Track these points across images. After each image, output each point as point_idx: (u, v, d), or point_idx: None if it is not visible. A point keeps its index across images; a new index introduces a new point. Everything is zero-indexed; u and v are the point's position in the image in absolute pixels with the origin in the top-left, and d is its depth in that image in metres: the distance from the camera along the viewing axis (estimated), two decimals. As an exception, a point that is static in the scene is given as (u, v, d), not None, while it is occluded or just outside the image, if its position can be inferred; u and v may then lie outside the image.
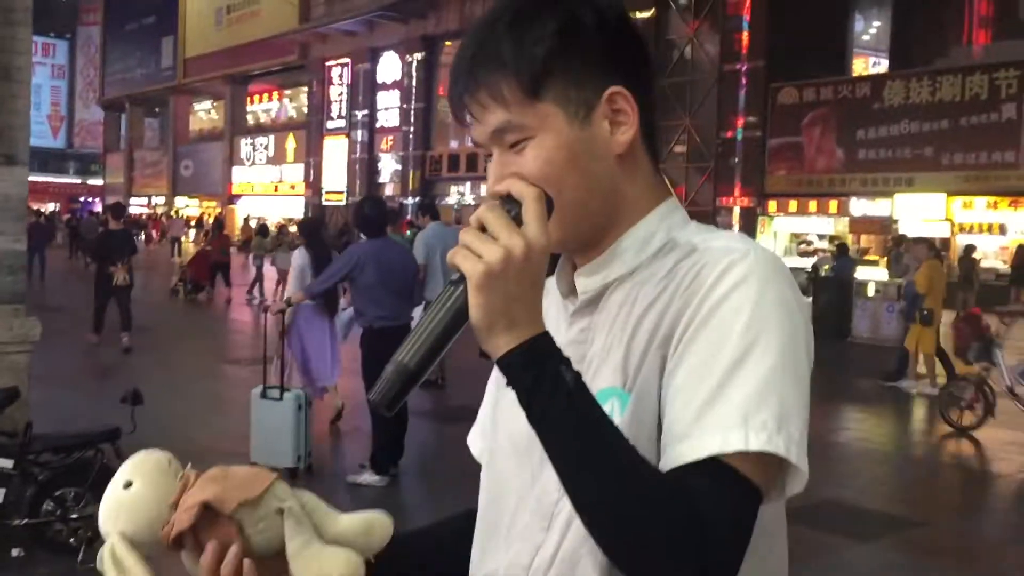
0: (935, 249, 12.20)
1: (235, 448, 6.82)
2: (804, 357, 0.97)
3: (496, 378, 1.18)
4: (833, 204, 24.62)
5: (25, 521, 4.46)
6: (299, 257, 7.84)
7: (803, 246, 25.59)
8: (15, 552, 4.51)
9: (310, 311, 7.57)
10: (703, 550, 0.86)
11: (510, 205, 0.96)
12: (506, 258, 0.91)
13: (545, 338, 0.93)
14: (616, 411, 0.98)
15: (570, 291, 1.11)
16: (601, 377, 1.02)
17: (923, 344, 10.87)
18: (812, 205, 25.01)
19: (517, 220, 0.94)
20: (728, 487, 0.90)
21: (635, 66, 1.06)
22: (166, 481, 1.01)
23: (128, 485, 1.01)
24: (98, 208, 49.33)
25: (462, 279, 0.93)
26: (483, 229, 0.93)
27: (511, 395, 0.95)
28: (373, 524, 1.07)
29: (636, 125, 1.04)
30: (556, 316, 1.11)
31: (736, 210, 26.46)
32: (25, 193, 4.90)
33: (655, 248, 1.06)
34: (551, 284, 1.16)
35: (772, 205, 25.80)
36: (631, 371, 1.00)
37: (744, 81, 25.63)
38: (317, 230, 8.59)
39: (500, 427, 1.15)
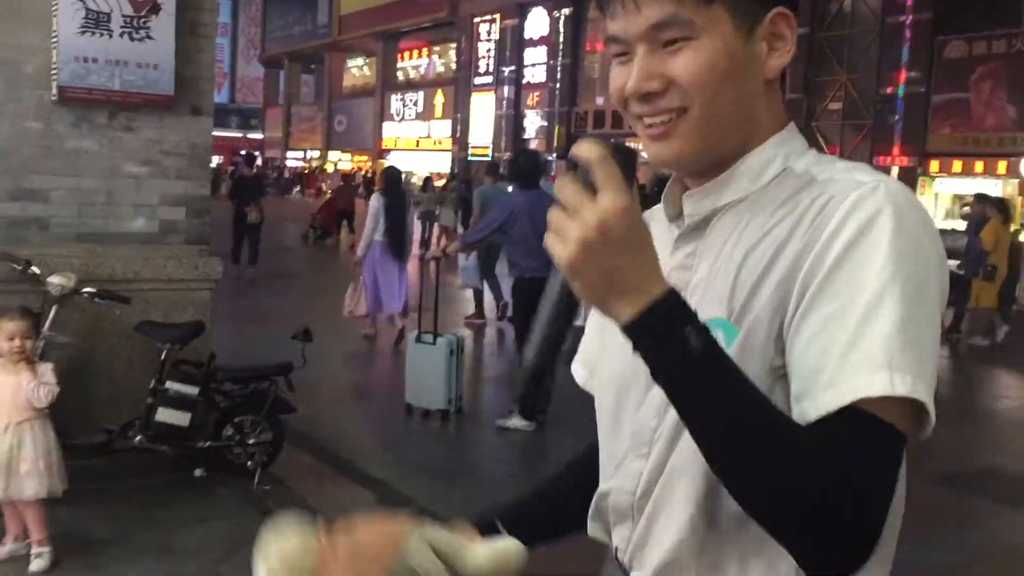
0: (1003, 208, 12.32)
1: (391, 389, 7.17)
2: (937, 297, 0.94)
3: (593, 324, 1.22)
4: (1002, 165, 23.22)
5: (208, 444, 4.85)
6: (375, 201, 9.14)
7: (966, 208, 24.29)
8: (198, 472, 4.92)
9: (380, 250, 8.96)
10: (855, 507, 0.85)
11: (584, 172, 0.89)
12: (584, 237, 0.86)
13: (663, 304, 0.88)
14: (722, 343, 0.93)
15: (677, 214, 1.10)
16: (706, 306, 0.99)
17: (983, 298, 11.33)
18: (979, 166, 23.67)
19: (592, 188, 0.88)
20: (876, 439, 0.88)
21: None
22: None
23: None
24: (258, 161, 51.53)
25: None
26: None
27: (614, 332, 0.94)
28: (509, 557, 1.06)
29: (792, 52, 1.03)
30: (661, 239, 1.04)
31: (895, 170, 25.33)
32: (210, 142, 5.27)
33: (772, 175, 1.03)
34: (658, 209, 1.15)
35: (934, 165, 24.57)
36: (738, 304, 0.98)
37: (908, 34, 24.37)
38: (395, 180, 9.52)
39: (605, 364, 1.18)
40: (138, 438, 4.67)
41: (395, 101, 46.63)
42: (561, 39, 35.14)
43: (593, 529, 1.18)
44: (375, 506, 4.95)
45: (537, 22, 36.58)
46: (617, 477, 1.10)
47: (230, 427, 4.94)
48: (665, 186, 1.15)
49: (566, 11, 34.72)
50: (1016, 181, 23.27)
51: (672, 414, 0.97)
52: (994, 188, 24.07)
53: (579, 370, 1.30)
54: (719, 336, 0.93)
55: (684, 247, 1.08)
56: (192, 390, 4.79)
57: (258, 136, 61.06)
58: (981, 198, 12.82)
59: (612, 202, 0.87)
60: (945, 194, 24.83)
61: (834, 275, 0.91)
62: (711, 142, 1.02)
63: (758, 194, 1.03)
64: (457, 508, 4.90)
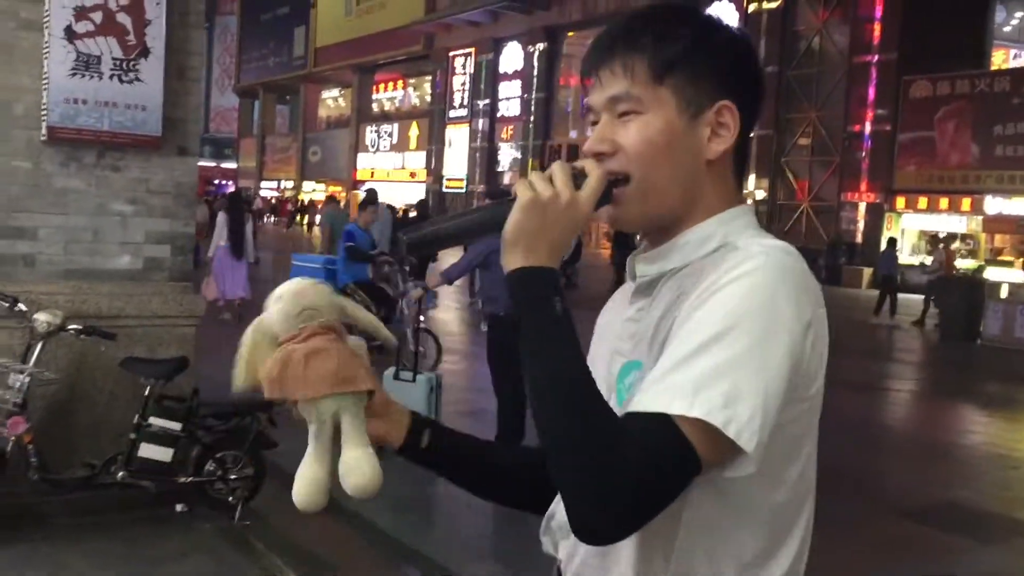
0: None
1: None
2: (779, 354, 1.03)
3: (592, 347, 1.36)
4: (966, 202, 23.74)
5: (190, 479, 4.89)
6: (221, 216, 12.51)
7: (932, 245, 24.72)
8: (180, 507, 4.95)
9: (224, 252, 12.27)
10: (624, 480, 0.98)
11: (578, 176, 1.13)
12: (554, 198, 1.10)
13: (552, 273, 1.10)
14: (632, 380, 1.13)
15: (634, 274, 1.27)
16: (638, 353, 1.16)
17: None
18: (943, 202, 24.17)
19: (578, 187, 1.12)
20: (666, 439, 0.99)
21: (748, 90, 1.20)
22: (288, 322, 1.23)
23: (278, 300, 1.25)
24: (231, 190, 51.45)
25: (513, 200, 1.12)
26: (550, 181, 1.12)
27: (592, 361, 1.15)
28: (358, 471, 1.20)
29: (732, 141, 1.18)
30: (623, 294, 1.27)
31: (862, 206, 25.78)
32: (195, 181, 5.36)
33: (711, 248, 1.16)
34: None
35: (900, 201, 25.06)
36: (651, 348, 1.14)
37: (874, 74, 24.94)
38: (237, 200, 13.36)
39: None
40: (120, 473, 4.70)
41: (370, 132, 46.85)
42: (535, 73, 35.55)
43: (545, 544, 1.32)
44: (356, 542, 5.02)
45: (512, 56, 37.01)
46: None
47: (212, 462, 4.98)
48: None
49: (540, 46, 35.16)
50: (980, 218, 23.77)
51: None
52: (958, 225, 24.58)
53: None
54: (633, 375, 1.14)
55: (637, 302, 1.23)
56: (175, 426, 4.83)
57: (232, 166, 61.01)
58: None
59: (585, 202, 1.12)
60: (911, 230, 25.31)
61: (695, 311, 1.06)
62: (651, 207, 1.18)
63: (696, 263, 1.16)
64: (438, 544, 4.99)
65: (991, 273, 17.76)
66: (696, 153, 1.18)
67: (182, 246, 5.27)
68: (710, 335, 1.03)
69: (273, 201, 49.58)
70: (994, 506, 6.31)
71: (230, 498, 4.97)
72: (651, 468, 1.00)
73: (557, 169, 1.13)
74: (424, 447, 1.29)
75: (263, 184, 54.85)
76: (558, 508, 1.25)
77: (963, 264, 20.72)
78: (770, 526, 1.12)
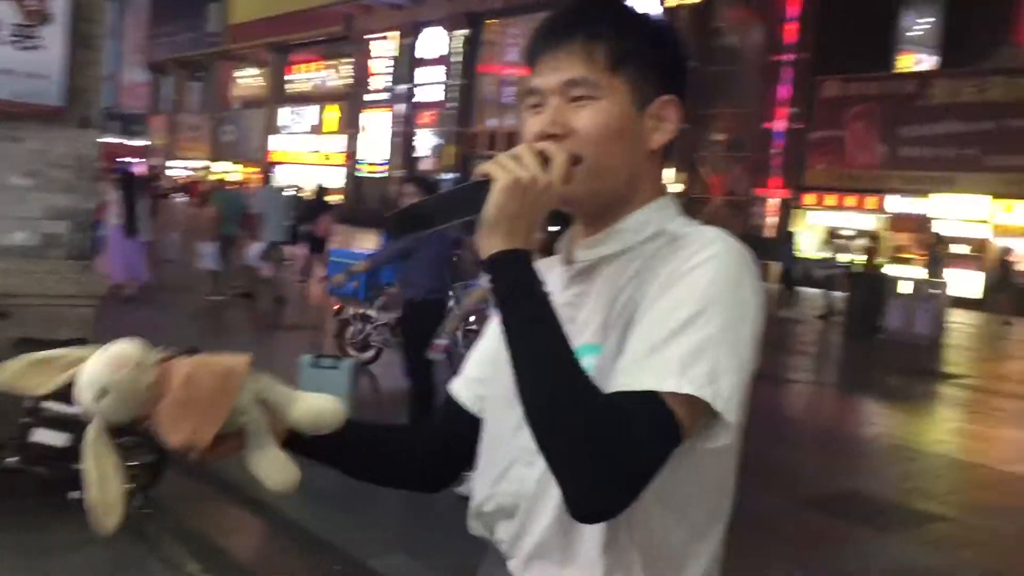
0: None
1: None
2: (748, 332, 1.13)
3: (494, 338, 1.36)
4: (872, 200, 24.50)
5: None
6: (114, 194, 12.07)
7: (840, 241, 25.44)
8: (74, 495, 4.75)
9: (116, 231, 11.97)
10: (617, 456, 1.02)
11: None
12: (531, 181, 1.12)
13: (530, 256, 1.12)
14: (590, 363, 1.15)
15: (570, 259, 1.30)
16: (584, 336, 1.20)
17: None
18: (850, 200, 24.91)
19: (544, 162, 1.15)
20: (654, 414, 1.05)
21: (684, 87, 1.28)
22: (135, 395, 1.11)
23: (103, 395, 1.11)
24: (143, 169, 49.91)
25: (487, 183, 1.12)
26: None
27: (505, 352, 1.17)
28: (323, 415, 1.22)
29: (674, 133, 1.26)
30: (555, 281, 1.28)
31: (772, 202, 26.39)
32: (96, 154, 5.14)
33: (647, 234, 1.24)
34: (552, 260, 1.35)
35: (809, 198, 25.72)
36: (608, 331, 1.18)
37: (789, 73, 25.51)
38: (129, 181, 12.67)
39: (498, 380, 1.31)
40: (12, 459, 4.49)
41: (285, 114, 45.96)
42: (457, 59, 35.36)
43: (476, 528, 1.34)
44: (262, 530, 4.89)
45: (433, 41, 36.74)
46: (503, 483, 1.27)
47: (111, 449, 4.79)
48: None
49: (462, 32, 34.99)
50: (884, 216, 24.56)
51: None
52: (865, 222, 25.37)
53: (461, 390, 1.44)
54: (588, 358, 1.14)
55: (573, 287, 1.27)
56: (72, 410, 4.62)
57: (142, 143, 59.21)
58: None
59: (557, 183, 1.14)
60: (818, 226, 26.00)
61: (666, 292, 1.12)
62: (600, 187, 1.22)
63: (636, 248, 1.23)
64: (349, 532, 4.89)
65: (893, 270, 18.33)
66: (641, 142, 1.24)
67: (82, 222, 5.05)
68: (687, 316, 1.09)
69: (184, 181, 48.25)
70: (895, 496, 6.51)
71: (129, 486, 4.79)
72: (648, 443, 1.05)
73: (526, 151, 1.15)
74: (308, 439, 1.27)
75: (175, 163, 53.36)
76: (495, 490, 1.28)
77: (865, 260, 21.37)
78: (715, 493, 1.23)
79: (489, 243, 1.13)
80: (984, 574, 5.11)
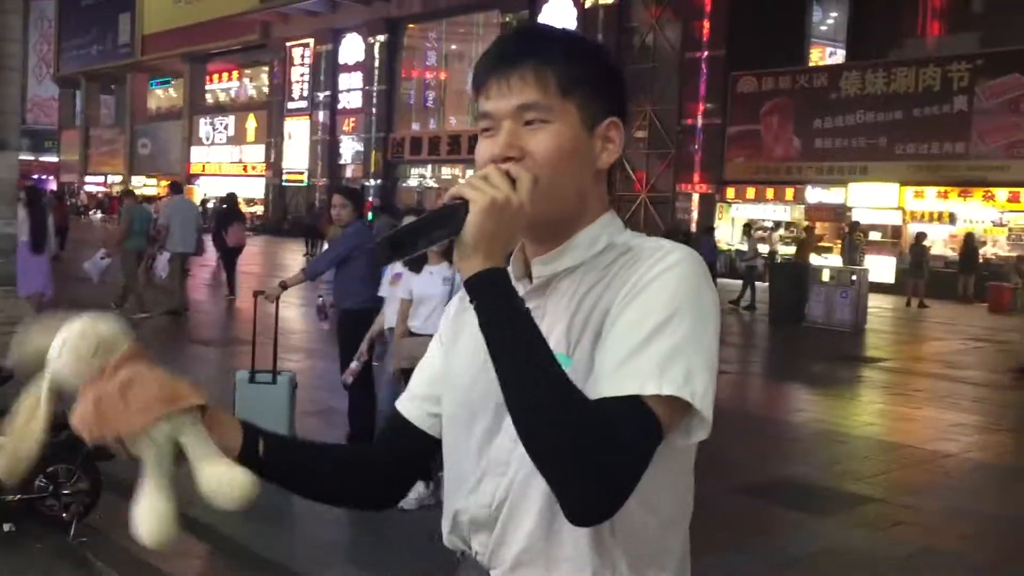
0: None
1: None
2: (712, 334, 1.20)
3: (438, 357, 1.44)
4: (789, 192, 25.09)
5: (19, 496, 4.56)
6: (21, 211, 11.26)
7: (759, 232, 26.04)
8: (7, 527, 4.62)
9: (24, 247, 10.70)
10: (611, 459, 1.07)
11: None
12: (507, 201, 1.16)
13: (506, 273, 1.17)
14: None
15: (522, 275, 1.35)
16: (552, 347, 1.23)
17: None
18: (769, 192, 25.47)
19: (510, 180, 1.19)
20: (639, 417, 1.12)
21: (626, 109, 1.36)
22: (86, 365, 1.13)
23: (60, 353, 1.14)
24: (52, 186, 48.52)
25: (464, 205, 1.15)
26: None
27: (459, 366, 1.30)
28: (234, 487, 1.16)
29: (619, 154, 1.33)
30: None
31: (695, 196, 26.84)
32: (15, 177, 5.02)
33: (599, 248, 1.30)
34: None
35: (730, 192, 26.23)
36: (572, 340, 1.24)
37: (705, 69, 25.97)
38: (38, 196, 11.51)
39: (453, 398, 1.36)
40: (-61, 495, 4.35)
41: (204, 125, 45.14)
42: (376, 65, 35.16)
43: (450, 541, 1.37)
44: (203, 552, 4.82)
45: (352, 48, 36.47)
46: (476, 495, 1.30)
47: (42, 477, 4.67)
48: None
49: (381, 37, 34.81)
50: (802, 207, 25.17)
51: None
52: (783, 214, 25.97)
53: (409, 406, 1.46)
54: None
55: (530, 301, 1.28)
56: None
57: (53, 159, 57.52)
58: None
59: (527, 203, 1.19)
60: (740, 218, 26.51)
61: (634, 301, 1.18)
62: (553, 207, 1.26)
63: (589, 262, 1.29)
64: (289, 550, 4.85)
65: (813, 259, 18.81)
66: (590, 162, 1.30)
67: (4, 248, 4.92)
68: (657, 322, 1.16)
69: (101, 196, 47.02)
70: (826, 480, 6.69)
71: (64, 515, 4.68)
72: (637, 445, 1.11)
73: (495, 173, 1.19)
74: (261, 455, 1.29)
75: (88, 179, 51.97)
76: (468, 503, 1.31)
77: (785, 251, 21.89)
78: (682, 487, 1.31)
79: (470, 263, 1.16)
80: (917, 551, 5.29)
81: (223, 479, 1.16)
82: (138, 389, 1.12)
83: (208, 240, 15.98)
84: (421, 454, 1.43)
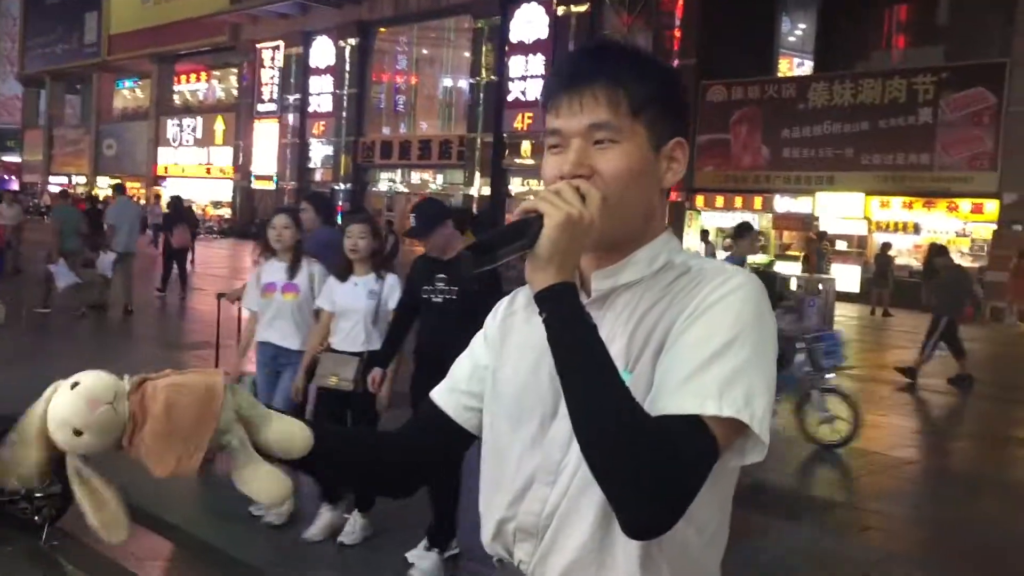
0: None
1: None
2: (771, 356, 1.23)
3: (481, 355, 1.45)
4: (758, 200, 25.33)
5: (-11, 499, 4.52)
6: None
7: (727, 240, 26.20)
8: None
9: None
10: (672, 475, 1.10)
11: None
12: (580, 216, 1.19)
13: (577, 288, 1.19)
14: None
15: (580, 288, 1.32)
16: None
17: None
18: (738, 201, 25.70)
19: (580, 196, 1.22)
20: (699, 436, 1.14)
21: (687, 131, 1.38)
22: (113, 431, 1.11)
23: (78, 435, 1.10)
24: (14, 186, 47.86)
25: (538, 219, 1.18)
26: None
27: (507, 370, 1.33)
28: (294, 440, 1.23)
29: (682, 173, 1.35)
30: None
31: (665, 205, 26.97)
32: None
33: (659, 265, 1.33)
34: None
35: (700, 200, 26.43)
36: (632, 355, 1.25)
37: (675, 78, 26.12)
38: None
39: (499, 399, 1.38)
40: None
41: (171, 126, 44.72)
42: (347, 69, 35.02)
43: (493, 548, 1.38)
44: (178, 555, 4.79)
45: (322, 51, 36.31)
46: (524, 503, 1.32)
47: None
48: None
49: (352, 41, 34.68)
50: (770, 215, 25.43)
51: (575, 447, 1.20)
52: (752, 223, 26.18)
53: (444, 396, 1.47)
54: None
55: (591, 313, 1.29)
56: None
57: (15, 159, 56.73)
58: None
59: (597, 220, 1.21)
60: (710, 227, 26.73)
61: (697, 321, 1.21)
62: (620, 225, 1.29)
63: (649, 278, 1.32)
64: (265, 553, 4.83)
65: (780, 267, 19.01)
66: (656, 182, 1.33)
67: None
68: (720, 343, 1.18)
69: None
70: (795, 486, 6.78)
71: (36, 518, 4.63)
72: (695, 464, 1.13)
73: (568, 188, 1.21)
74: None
75: (52, 179, 51.27)
76: (516, 510, 1.32)
77: (754, 259, 22.08)
78: (726, 505, 1.35)
79: (543, 276, 1.18)
80: (886, 556, 5.38)
81: (281, 434, 1.21)
82: (180, 410, 1.11)
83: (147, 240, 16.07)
84: (450, 445, 1.45)
